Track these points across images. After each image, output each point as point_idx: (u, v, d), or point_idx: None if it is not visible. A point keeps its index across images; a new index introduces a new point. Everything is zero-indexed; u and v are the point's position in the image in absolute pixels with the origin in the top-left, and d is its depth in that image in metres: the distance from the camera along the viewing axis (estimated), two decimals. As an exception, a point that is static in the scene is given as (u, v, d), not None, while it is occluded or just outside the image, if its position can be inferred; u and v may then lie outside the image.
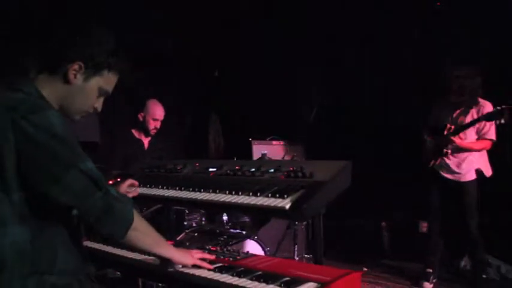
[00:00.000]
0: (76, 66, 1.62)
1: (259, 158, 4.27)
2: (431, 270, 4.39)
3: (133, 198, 2.11)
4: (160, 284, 2.97)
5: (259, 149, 5.16)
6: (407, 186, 4.92)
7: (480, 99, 4.05)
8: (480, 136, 4.04)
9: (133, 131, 4.17)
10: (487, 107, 3.99)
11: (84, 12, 4.05)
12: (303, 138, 5.41)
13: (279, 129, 5.61)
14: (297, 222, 3.90)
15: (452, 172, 4.16)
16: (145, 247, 1.67)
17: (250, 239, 3.37)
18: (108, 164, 3.67)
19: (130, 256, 1.97)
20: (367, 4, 5.32)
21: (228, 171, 2.08)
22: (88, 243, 2.17)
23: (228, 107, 6.47)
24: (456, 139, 3.97)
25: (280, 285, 1.55)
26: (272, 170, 1.95)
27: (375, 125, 5.55)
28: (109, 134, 4.94)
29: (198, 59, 5.99)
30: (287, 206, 1.62)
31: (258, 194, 1.75)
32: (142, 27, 5.11)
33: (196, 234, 3.44)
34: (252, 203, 1.72)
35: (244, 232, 3.61)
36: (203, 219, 3.84)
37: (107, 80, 1.72)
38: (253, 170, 2.00)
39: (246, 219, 3.86)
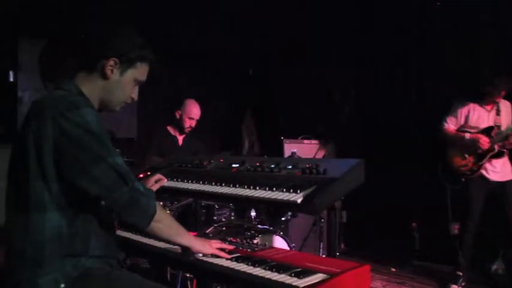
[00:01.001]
0: (112, 62, 1.78)
1: (288, 156, 4.36)
2: (461, 273, 4.38)
3: (163, 189, 2.28)
4: (187, 275, 3.13)
5: (290, 148, 5.24)
6: (440, 188, 4.90)
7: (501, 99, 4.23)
8: None
9: (168, 127, 4.33)
10: (509, 104, 4.26)
11: (115, 13, 4.28)
12: (336, 138, 5.45)
13: (312, 129, 5.67)
14: (322, 220, 3.97)
15: (499, 172, 4.22)
16: (166, 236, 1.81)
17: (276, 234, 3.46)
18: (143, 158, 3.85)
19: (156, 245, 2.11)
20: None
21: (249, 167, 2.19)
22: (120, 232, 2.31)
23: (262, 106, 6.57)
24: None
25: (290, 275, 1.64)
26: (290, 167, 2.04)
27: (409, 126, 5.54)
28: (146, 130, 5.13)
29: (233, 57, 6.11)
30: (299, 200, 1.72)
31: (274, 189, 1.86)
32: (180, 25, 5.27)
33: (224, 228, 3.56)
34: (267, 196, 1.83)
35: (271, 228, 3.72)
36: (232, 214, 3.95)
37: (141, 71, 1.88)
38: (272, 166, 2.10)
39: (274, 215, 3.93)
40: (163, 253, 2.03)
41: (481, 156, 4.20)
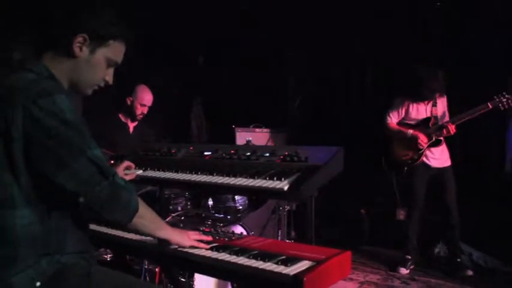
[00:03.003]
0: (80, 39, 1.61)
1: (245, 144, 4.33)
2: (410, 257, 4.58)
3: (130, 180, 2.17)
4: (148, 267, 3.05)
5: (242, 136, 5.24)
6: (386, 175, 5.07)
7: None
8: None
9: (120, 115, 4.19)
10: (445, 96, 4.55)
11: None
12: (286, 127, 5.49)
13: (262, 117, 5.68)
14: (281, 208, 4.00)
15: (438, 159, 4.49)
16: (148, 231, 1.73)
17: (236, 223, 3.45)
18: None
19: (127, 237, 2.03)
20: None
21: (224, 155, 2.14)
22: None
23: (211, 94, 6.50)
24: (451, 126, 4.30)
25: (277, 263, 1.62)
26: (267, 154, 2.02)
27: (356, 113, 5.68)
28: (95, 117, 4.93)
29: (183, 45, 5.99)
30: (285, 188, 1.70)
31: (256, 177, 1.83)
32: (130, 11, 5.08)
33: (182, 218, 3.50)
34: (250, 184, 1.79)
35: (228, 217, 3.70)
36: (188, 204, 3.89)
37: (114, 50, 1.71)
38: (248, 154, 2.06)
39: (231, 204, 3.92)
40: (137, 245, 1.95)
41: (418, 147, 4.47)
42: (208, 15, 5.71)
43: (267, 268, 1.60)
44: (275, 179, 1.76)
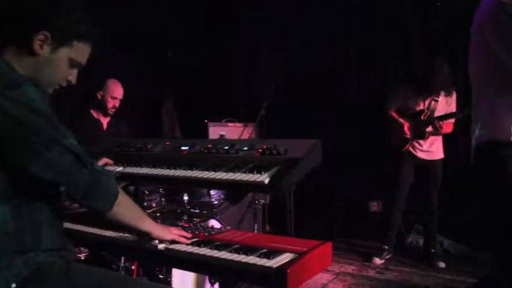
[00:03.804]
0: (41, 36, 1.55)
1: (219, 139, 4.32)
2: (387, 247, 4.65)
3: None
4: (124, 264, 3.02)
5: (215, 131, 5.22)
6: (359, 167, 5.13)
7: None
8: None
9: (92, 111, 4.11)
10: (454, 93, 4.48)
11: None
12: (259, 120, 5.49)
13: (235, 111, 5.67)
14: (256, 202, 4.01)
15: (426, 151, 4.52)
16: (128, 221, 1.70)
17: (212, 218, 3.44)
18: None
19: (104, 234, 2.00)
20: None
21: (202, 149, 2.12)
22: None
23: (182, 89, 6.44)
24: (443, 123, 4.33)
25: (259, 256, 1.62)
26: (246, 148, 2.01)
27: (330, 106, 5.72)
28: (67, 113, 4.83)
29: (151, 39, 5.91)
30: (266, 181, 1.70)
31: (236, 171, 1.82)
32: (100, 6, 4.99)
33: (158, 214, 3.47)
34: (230, 178, 1.79)
35: (204, 212, 3.68)
36: (163, 199, 3.86)
37: (78, 51, 1.65)
38: (227, 148, 2.05)
39: (207, 199, 3.91)
40: (116, 242, 1.93)
41: (408, 136, 4.54)
42: (177, 8, 5.66)
43: (250, 261, 1.60)
44: (255, 172, 1.76)
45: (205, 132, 5.43)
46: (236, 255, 1.66)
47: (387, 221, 4.72)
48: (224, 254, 1.67)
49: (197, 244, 1.79)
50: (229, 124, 5.53)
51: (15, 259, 1.48)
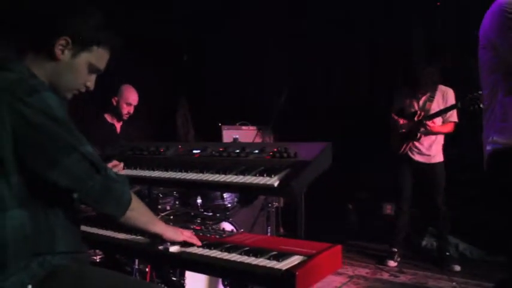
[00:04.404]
0: (63, 42, 1.59)
1: (231, 142, 4.34)
2: (396, 250, 4.64)
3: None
4: (139, 267, 3.05)
5: (229, 134, 5.24)
6: (373, 169, 5.12)
7: (441, 86, 4.49)
8: (445, 120, 4.45)
9: (106, 115, 4.17)
10: (450, 92, 4.45)
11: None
12: (272, 123, 5.50)
13: (249, 114, 5.69)
14: (269, 205, 4.01)
15: (424, 154, 4.52)
16: (141, 225, 1.72)
17: (225, 221, 3.46)
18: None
19: (118, 237, 2.03)
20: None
21: (213, 153, 2.14)
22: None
23: (197, 92, 6.49)
24: (430, 123, 4.34)
25: (269, 259, 1.63)
26: (257, 151, 2.02)
27: (342, 109, 5.72)
28: (82, 117, 4.89)
29: (167, 43, 5.97)
30: (275, 184, 1.71)
31: (246, 173, 1.83)
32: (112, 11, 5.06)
33: (171, 217, 3.49)
34: (241, 181, 1.80)
35: (218, 215, 3.70)
36: (177, 203, 3.89)
37: (97, 56, 1.69)
38: (237, 151, 2.07)
39: (220, 201, 3.93)
40: (129, 245, 1.96)
41: (403, 138, 4.55)
42: (193, 12, 5.70)
43: (259, 264, 1.61)
44: (265, 175, 1.77)
45: (219, 136, 5.46)
46: (246, 257, 1.68)
47: (394, 224, 4.72)
48: (234, 256, 1.69)
49: (208, 246, 1.81)
50: (243, 127, 5.56)
51: (31, 261, 1.51)
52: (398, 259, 4.65)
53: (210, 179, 1.90)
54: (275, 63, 6.16)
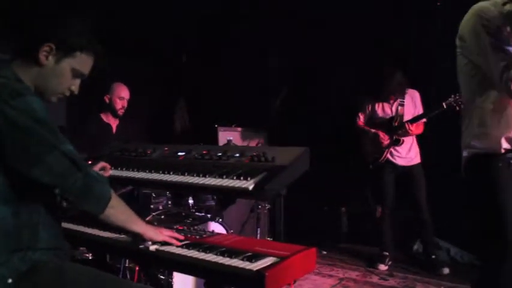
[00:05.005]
0: (47, 48, 1.68)
1: (225, 144, 4.41)
2: (387, 253, 4.69)
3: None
4: (129, 265, 3.12)
5: (224, 135, 5.30)
6: (366, 173, 5.16)
7: (408, 89, 4.65)
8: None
9: (101, 115, 4.24)
10: (417, 94, 4.66)
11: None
12: (267, 125, 5.56)
13: (245, 116, 5.74)
14: (259, 206, 4.07)
15: (404, 157, 4.61)
16: (120, 223, 1.79)
17: (215, 221, 3.52)
18: (76, 147, 3.73)
19: (101, 235, 2.09)
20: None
21: (196, 155, 2.22)
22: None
23: (194, 93, 6.55)
24: (412, 127, 4.43)
25: (242, 259, 1.69)
26: (237, 155, 2.09)
27: (335, 114, 5.76)
28: (76, 118, 4.98)
29: (165, 44, 6.03)
30: (250, 187, 1.77)
31: (224, 177, 1.90)
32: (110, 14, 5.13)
33: (163, 216, 3.57)
34: (218, 184, 1.87)
35: (209, 215, 3.77)
36: (169, 202, 3.96)
37: (80, 62, 1.78)
38: (219, 154, 2.14)
39: (212, 202, 3.99)
40: (110, 243, 2.02)
41: (382, 146, 4.63)
42: (190, 14, 5.76)
43: (233, 264, 1.67)
44: (242, 178, 1.84)
45: (216, 137, 5.52)
46: (221, 257, 1.74)
47: (382, 228, 4.79)
48: (209, 256, 1.75)
49: (186, 246, 1.87)
50: (239, 129, 5.61)
51: (12, 256, 1.59)
52: (390, 263, 4.69)
53: (190, 181, 1.97)
54: (273, 65, 6.21)
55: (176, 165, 2.19)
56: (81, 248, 3.35)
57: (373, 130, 4.69)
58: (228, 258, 1.72)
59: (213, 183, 1.88)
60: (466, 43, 2.19)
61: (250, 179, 1.82)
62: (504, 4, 2.09)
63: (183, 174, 2.04)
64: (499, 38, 2.02)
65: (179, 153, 2.31)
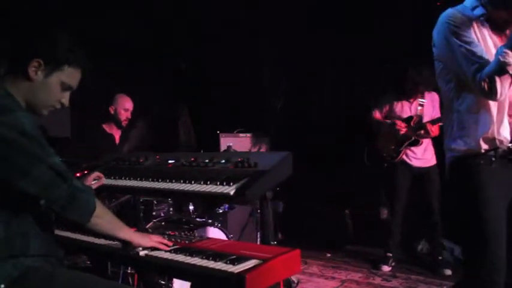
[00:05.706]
0: (35, 63, 1.77)
1: (225, 150, 4.48)
2: (391, 254, 4.71)
3: (100, 188, 2.33)
4: (128, 271, 3.19)
5: (226, 142, 5.36)
6: (369, 175, 5.19)
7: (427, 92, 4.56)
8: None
9: (104, 126, 4.31)
10: (436, 96, 4.54)
11: (43, 12, 4.20)
12: (269, 131, 5.62)
13: (246, 122, 5.81)
14: (258, 211, 4.12)
15: (421, 158, 4.56)
16: (106, 231, 1.86)
17: (214, 226, 3.59)
18: (79, 158, 3.83)
19: (96, 242, 2.17)
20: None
21: (184, 163, 2.29)
22: (57, 232, 2.34)
23: (198, 100, 6.63)
24: (433, 128, 4.34)
25: (226, 262, 1.76)
26: (223, 161, 2.16)
27: (340, 115, 5.80)
28: (80, 129, 5.08)
29: (165, 52, 6.12)
30: (231, 192, 1.84)
31: (208, 182, 1.97)
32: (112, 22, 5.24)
33: (163, 223, 3.64)
34: (202, 190, 1.94)
35: (210, 221, 3.83)
36: (171, 209, 4.03)
37: (69, 75, 1.86)
38: (206, 161, 2.21)
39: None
40: (103, 249, 2.09)
41: (400, 142, 4.55)
42: (189, 21, 5.85)
43: (216, 267, 1.74)
44: (224, 184, 1.91)
45: (218, 143, 5.59)
46: (206, 261, 1.81)
47: (389, 229, 4.77)
48: (195, 260, 1.82)
49: (175, 251, 1.94)
50: (240, 135, 5.68)
51: (5, 263, 1.67)
52: (393, 264, 4.71)
53: (176, 187, 2.04)
54: (273, 71, 6.27)
55: (165, 172, 2.27)
56: (84, 256, 3.45)
57: (389, 121, 4.60)
58: (212, 262, 1.78)
59: (197, 190, 1.96)
60: (439, 50, 2.24)
61: (233, 184, 1.88)
62: (473, 9, 2.15)
63: (170, 181, 2.12)
64: (468, 42, 2.07)
65: (169, 161, 2.38)
